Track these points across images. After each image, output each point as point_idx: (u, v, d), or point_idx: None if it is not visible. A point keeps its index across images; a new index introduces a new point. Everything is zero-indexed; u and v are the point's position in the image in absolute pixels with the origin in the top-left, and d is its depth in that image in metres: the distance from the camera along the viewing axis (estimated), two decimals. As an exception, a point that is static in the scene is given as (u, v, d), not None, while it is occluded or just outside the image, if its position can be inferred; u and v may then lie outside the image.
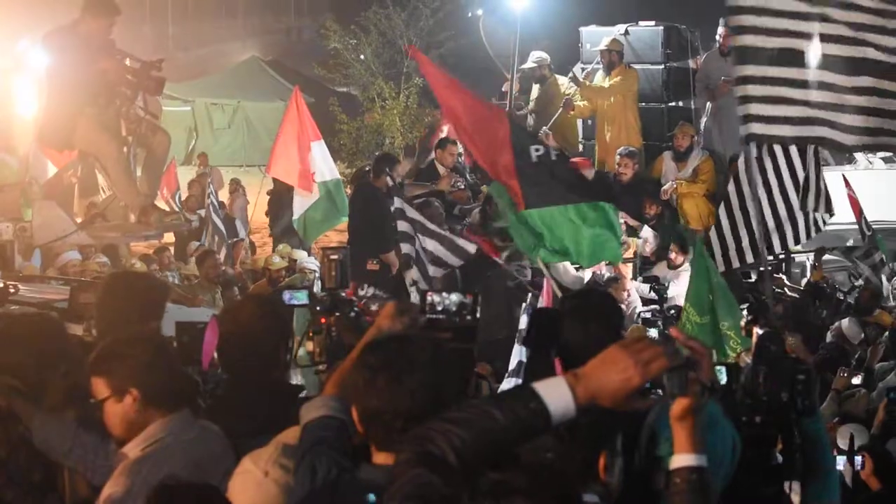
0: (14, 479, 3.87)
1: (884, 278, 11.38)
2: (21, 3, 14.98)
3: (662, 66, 14.52)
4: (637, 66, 14.29)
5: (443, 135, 13.47)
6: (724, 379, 3.76)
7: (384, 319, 3.29)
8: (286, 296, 4.50)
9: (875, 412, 6.94)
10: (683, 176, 13.08)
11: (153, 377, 3.61)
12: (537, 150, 8.30)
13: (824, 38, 6.51)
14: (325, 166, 12.14)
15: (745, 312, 8.39)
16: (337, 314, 4.13)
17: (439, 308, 3.28)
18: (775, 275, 10.88)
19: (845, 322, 9.44)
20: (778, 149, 7.94)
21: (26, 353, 4.06)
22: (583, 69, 14.89)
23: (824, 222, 8.67)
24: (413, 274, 9.13)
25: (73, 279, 9.23)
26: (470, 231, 10.28)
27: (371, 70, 26.51)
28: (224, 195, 18.78)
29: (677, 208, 12.94)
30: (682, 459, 2.63)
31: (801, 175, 8.20)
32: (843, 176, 11.49)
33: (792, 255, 11.96)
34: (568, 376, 2.53)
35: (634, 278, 11.35)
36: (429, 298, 3.30)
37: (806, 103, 6.55)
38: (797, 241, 8.76)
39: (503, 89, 17.72)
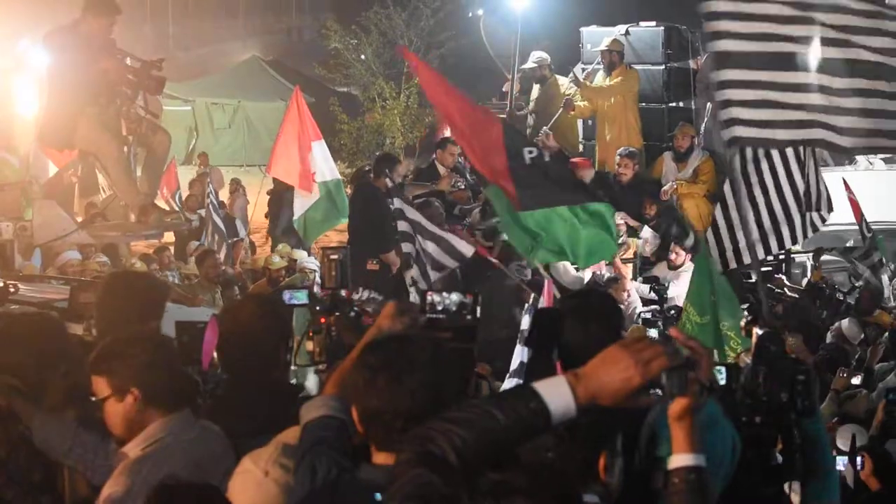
0: (14, 478, 3.87)
1: (884, 279, 11.39)
2: (21, 3, 15.00)
3: (663, 67, 14.52)
4: (637, 67, 14.29)
5: (446, 134, 13.47)
6: (723, 379, 3.76)
7: (384, 319, 3.29)
8: (286, 296, 4.49)
9: (875, 413, 6.94)
10: (684, 176, 13.08)
11: (154, 377, 3.61)
12: (531, 152, 8.32)
13: (811, 41, 6.52)
14: (325, 166, 12.14)
15: (745, 312, 8.38)
16: (337, 314, 4.13)
17: (439, 308, 3.28)
18: (775, 275, 10.88)
19: (845, 322, 9.44)
20: (774, 150, 7.95)
21: (26, 352, 4.06)
22: (583, 69, 14.89)
23: (823, 220, 8.66)
24: (413, 273, 9.13)
25: (73, 279, 9.23)
26: (468, 232, 10.29)
27: (372, 70, 26.52)
28: (224, 195, 18.80)
29: (677, 209, 12.94)
30: (680, 459, 2.63)
31: (797, 176, 8.21)
32: (843, 179, 11.49)
33: (792, 256, 11.96)
34: (568, 376, 2.53)
35: (634, 279, 11.35)
36: (429, 298, 3.30)
37: (800, 107, 6.56)
38: (794, 242, 8.75)
39: (504, 89, 17.75)
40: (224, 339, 4.11)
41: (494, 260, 9.73)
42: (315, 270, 11.60)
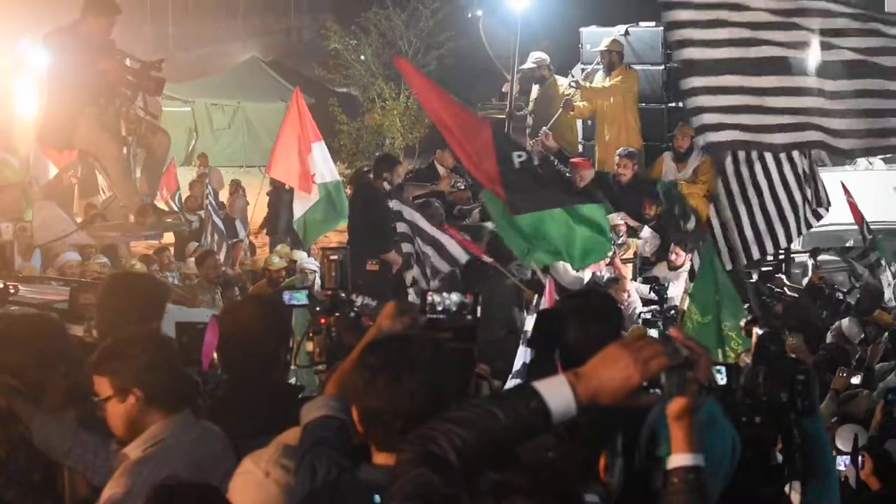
0: (14, 479, 3.87)
1: (883, 278, 11.39)
2: (21, 3, 15.00)
3: (662, 67, 14.51)
4: (637, 67, 14.29)
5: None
6: (723, 379, 3.76)
7: (384, 319, 3.29)
8: (286, 296, 4.50)
9: (874, 412, 6.95)
10: (683, 177, 13.08)
11: (156, 378, 3.61)
12: (520, 156, 8.38)
13: (795, 45, 6.53)
14: (325, 168, 12.14)
15: (746, 313, 8.38)
16: (337, 315, 4.13)
17: (439, 308, 3.28)
18: (776, 275, 10.89)
19: (845, 322, 9.45)
20: (767, 152, 7.97)
21: (26, 353, 4.06)
22: (583, 70, 14.89)
23: (818, 218, 8.67)
24: (415, 273, 9.15)
25: (72, 280, 9.23)
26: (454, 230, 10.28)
27: (371, 71, 26.53)
28: (224, 196, 18.81)
29: (685, 206, 12.93)
30: (679, 459, 2.63)
31: (790, 176, 8.22)
32: (842, 183, 11.49)
33: (792, 256, 11.97)
34: (569, 375, 2.53)
35: (634, 279, 11.35)
36: (429, 298, 3.30)
37: (791, 111, 6.57)
38: (789, 241, 8.77)
39: (503, 90, 17.74)
40: (224, 339, 4.11)
41: (489, 259, 9.74)
42: (315, 271, 11.60)
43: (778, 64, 6.54)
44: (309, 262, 12.49)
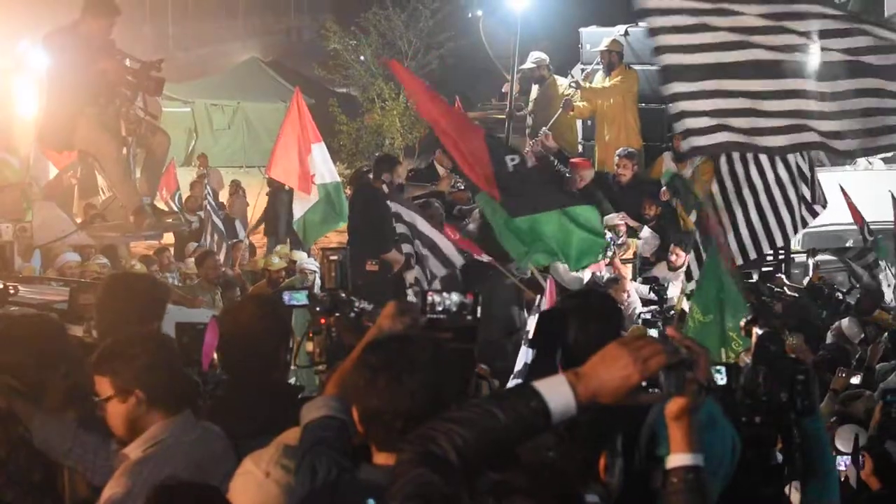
0: (14, 479, 3.87)
1: (883, 278, 11.39)
2: (21, 4, 15.00)
3: (662, 67, 14.48)
4: (637, 67, 14.28)
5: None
6: (723, 379, 3.76)
7: (385, 319, 3.29)
8: (286, 296, 4.50)
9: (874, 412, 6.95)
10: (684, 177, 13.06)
11: (157, 378, 3.61)
12: (513, 159, 8.45)
13: (784, 48, 6.55)
14: (325, 169, 12.15)
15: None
16: (337, 315, 4.13)
17: (440, 308, 3.28)
18: (776, 274, 10.89)
19: (845, 322, 9.45)
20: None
21: (26, 353, 4.06)
22: (583, 70, 14.89)
23: (814, 216, 8.68)
24: (416, 273, 9.16)
25: (72, 280, 9.23)
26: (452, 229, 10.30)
27: (371, 71, 26.54)
28: (224, 196, 18.82)
29: (677, 209, 12.93)
30: (678, 459, 2.64)
31: (784, 176, 8.23)
32: (841, 186, 11.50)
33: (792, 256, 11.97)
34: (568, 374, 2.54)
35: (634, 279, 11.35)
36: (429, 298, 3.30)
37: (786, 113, 6.58)
38: (785, 240, 8.79)
39: (503, 90, 17.73)
40: (224, 340, 4.11)
41: (485, 258, 9.75)
42: (315, 271, 11.61)
43: (771, 67, 6.55)
44: (309, 262, 12.49)
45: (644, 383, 2.53)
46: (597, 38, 14.58)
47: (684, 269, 10.64)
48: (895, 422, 6.51)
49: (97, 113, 8.52)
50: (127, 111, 8.68)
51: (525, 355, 6.88)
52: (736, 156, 7.95)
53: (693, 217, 11.23)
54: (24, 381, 4.00)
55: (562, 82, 14.86)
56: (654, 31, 6.52)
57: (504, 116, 16.29)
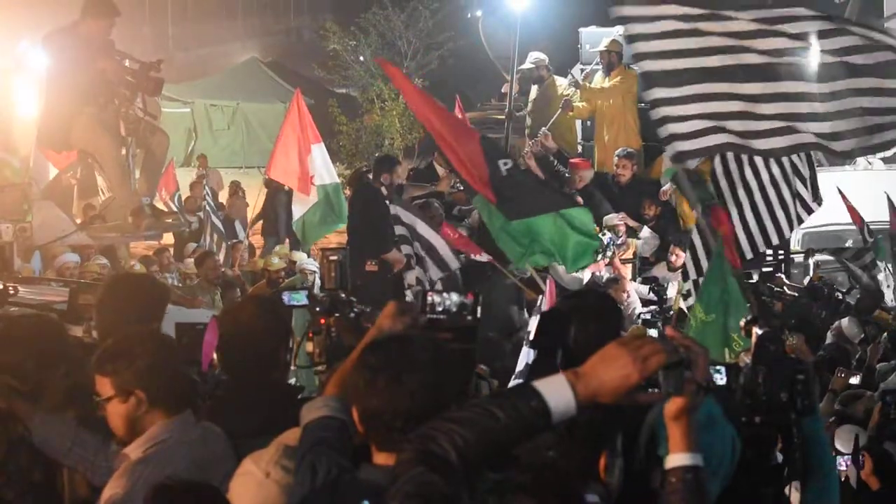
0: (14, 478, 3.87)
1: (882, 278, 11.39)
2: (21, 4, 15.00)
3: (662, 68, 14.47)
4: (636, 68, 14.26)
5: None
6: (723, 379, 3.77)
7: (385, 319, 3.29)
8: (285, 297, 4.49)
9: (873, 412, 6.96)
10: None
11: (158, 379, 3.61)
12: (505, 163, 8.51)
13: (776, 52, 6.56)
14: (324, 170, 12.16)
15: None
16: (336, 315, 4.13)
17: (440, 308, 3.28)
18: (776, 274, 10.89)
19: (845, 321, 9.45)
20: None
21: (26, 353, 4.06)
22: (582, 70, 14.88)
23: (808, 212, 8.69)
24: (417, 273, 9.18)
25: (72, 280, 9.23)
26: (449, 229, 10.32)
27: (370, 71, 26.55)
28: (224, 197, 18.83)
29: (676, 209, 12.93)
30: (677, 459, 2.64)
31: (778, 176, 8.24)
32: (838, 188, 11.50)
33: (792, 256, 11.97)
34: (568, 374, 2.54)
35: (634, 279, 11.35)
36: (429, 298, 3.30)
37: (779, 116, 6.59)
38: (780, 238, 8.79)
39: (503, 90, 17.72)
40: (224, 340, 4.11)
41: (485, 258, 9.77)
42: (314, 272, 11.61)
43: (764, 70, 6.56)
44: (309, 262, 12.50)
45: (644, 383, 2.53)
46: (596, 38, 14.57)
47: (683, 269, 10.65)
48: (893, 423, 6.53)
49: (96, 113, 8.53)
50: (126, 111, 8.69)
51: (526, 356, 6.88)
52: (730, 156, 7.96)
53: (698, 211, 11.22)
54: (24, 381, 4.00)
55: (561, 82, 14.86)
56: (631, 38, 6.55)
57: (503, 116, 16.29)
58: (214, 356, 4.20)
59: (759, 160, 8.06)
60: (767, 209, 8.29)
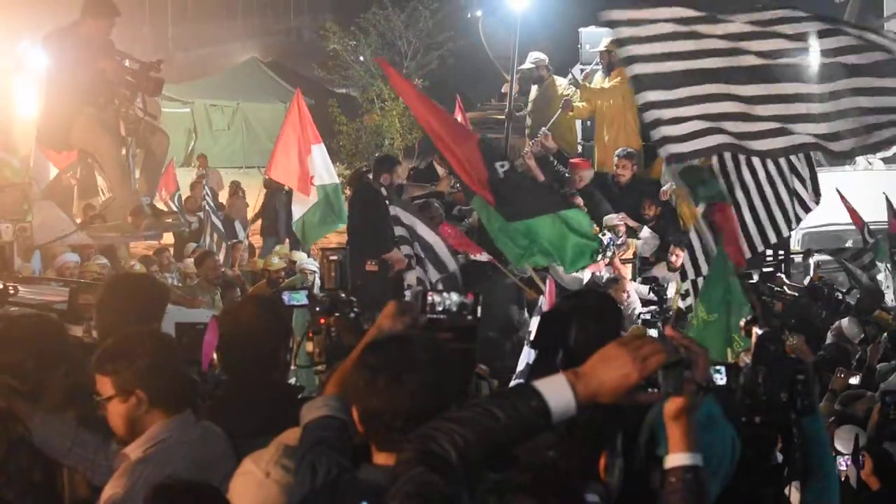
0: (14, 478, 3.87)
1: (880, 278, 11.39)
2: (21, 4, 15.01)
3: (662, 68, 14.46)
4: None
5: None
6: (723, 379, 3.77)
7: (385, 319, 3.29)
8: (285, 296, 4.50)
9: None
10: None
11: (159, 379, 3.61)
12: (502, 165, 8.54)
13: (771, 54, 6.57)
14: (324, 170, 12.17)
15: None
16: (336, 315, 4.13)
17: (440, 308, 3.28)
18: (776, 274, 10.88)
19: (845, 322, 9.45)
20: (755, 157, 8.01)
21: (26, 353, 4.06)
22: (582, 70, 14.88)
23: (806, 210, 8.69)
24: (419, 274, 9.18)
25: (72, 280, 9.23)
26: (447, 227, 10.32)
27: (370, 71, 26.55)
28: (224, 197, 18.83)
29: (676, 209, 12.92)
30: (676, 459, 2.64)
31: (773, 171, 8.25)
32: (838, 189, 11.50)
33: (792, 256, 11.97)
34: (568, 374, 2.54)
35: (634, 279, 11.35)
36: (429, 298, 3.29)
37: (784, 118, 6.60)
38: (778, 237, 8.80)
39: (503, 90, 17.72)
40: (224, 340, 4.11)
41: (485, 257, 9.77)
42: (315, 272, 11.61)
43: (762, 72, 6.57)
44: (309, 262, 12.50)
45: (643, 383, 2.54)
46: (596, 38, 14.57)
47: (683, 269, 10.65)
48: (892, 423, 6.52)
49: (96, 113, 8.53)
50: (126, 111, 8.70)
51: (527, 356, 6.89)
52: (727, 156, 7.96)
53: (701, 209, 11.23)
54: (24, 381, 4.00)
55: (561, 82, 14.85)
56: (621, 42, 6.57)
57: (503, 116, 16.28)
58: (214, 356, 4.20)
59: (756, 160, 8.07)
60: (765, 208, 8.30)
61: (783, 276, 11.19)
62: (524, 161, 12.76)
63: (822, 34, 6.62)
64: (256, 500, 3.28)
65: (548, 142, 13.59)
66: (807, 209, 8.67)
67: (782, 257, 11.54)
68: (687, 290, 8.43)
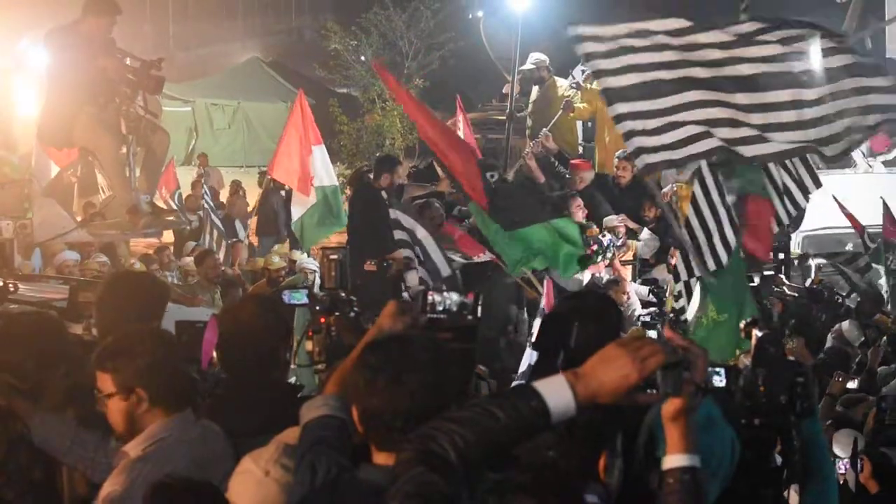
0: (14, 477, 3.87)
1: (880, 282, 11.39)
2: (22, 3, 15.01)
3: (663, 69, 14.46)
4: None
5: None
6: (722, 381, 3.77)
7: (385, 319, 3.29)
8: (285, 296, 4.50)
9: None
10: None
11: (159, 377, 3.61)
12: (492, 175, 8.63)
13: (752, 60, 6.59)
14: (324, 171, 12.16)
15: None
16: (336, 314, 4.13)
17: (440, 308, 3.28)
18: (776, 275, 10.88)
19: (845, 325, 9.44)
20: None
21: (26, 352, 4.06)
22: (583, 71, 14.85)
23: (796, 208, 8.69)
24: (421, 274, 9.20)
25: (72, 278, 9.23)
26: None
27: (371, 71, 26.52)
28: (224, 196, 18.83)
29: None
30: (674, 460, 2.64)
31: (774, 174, 8.26)
32: (834, 196, 11.50)
33: (792, 258, 11.95)
34: (568, 375, 2.54)
35: (634, 281, 11.35)
36: (429, 298, 3.30)
37: (770, 126, 6.61)
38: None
39: (504, 91, 17.71)
40: (224, 338, 4.11)
41: (485, 257, 9.78)
42: (315, 271, 11.61)
43: (750, 80, 6.59)
44: (309, 261, 12.50)
45: (642, 384, 2.54)
46: (597, 39, 14.54)
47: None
48: (888, 428, 6.52)
49: (97, 111, 8.54)
50: (127, 109, 8.70)
51: (529, 357, 6.90)
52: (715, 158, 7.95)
53: (731, 200, 11.20)
54: (24, 380, 4.00)
55: (562, 83, 14.85)
56: (588, 57, 6.59)
57: (504, 117, 16.28)
58: (214, 354, 4.20)
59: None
60: None
61: (783, 277, 11.20)
62: (525, 162, 12.76)
63: (801, 39, 6.65)
64: (256, 498, 3.28)
65: (548, 143, 13.59)
66: (797, 207, 8.68)
67: (782, 258, 11.53)
68: (679, 292, 8.43)
